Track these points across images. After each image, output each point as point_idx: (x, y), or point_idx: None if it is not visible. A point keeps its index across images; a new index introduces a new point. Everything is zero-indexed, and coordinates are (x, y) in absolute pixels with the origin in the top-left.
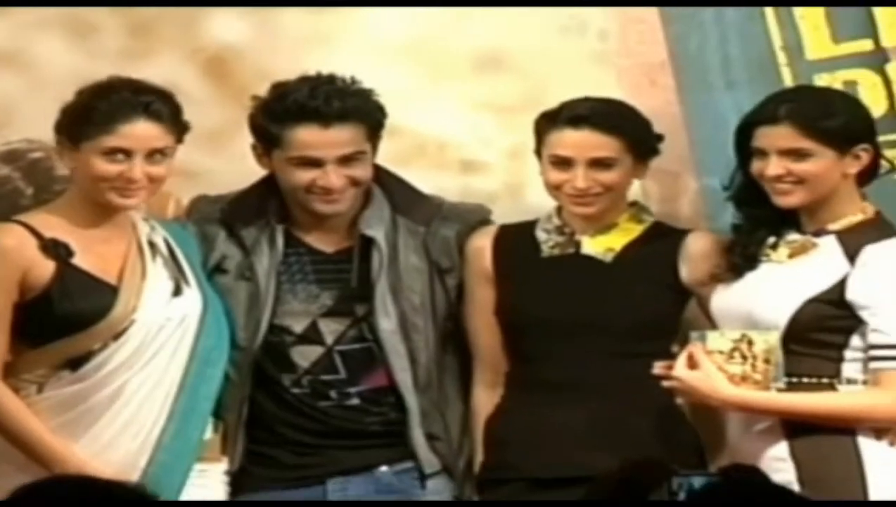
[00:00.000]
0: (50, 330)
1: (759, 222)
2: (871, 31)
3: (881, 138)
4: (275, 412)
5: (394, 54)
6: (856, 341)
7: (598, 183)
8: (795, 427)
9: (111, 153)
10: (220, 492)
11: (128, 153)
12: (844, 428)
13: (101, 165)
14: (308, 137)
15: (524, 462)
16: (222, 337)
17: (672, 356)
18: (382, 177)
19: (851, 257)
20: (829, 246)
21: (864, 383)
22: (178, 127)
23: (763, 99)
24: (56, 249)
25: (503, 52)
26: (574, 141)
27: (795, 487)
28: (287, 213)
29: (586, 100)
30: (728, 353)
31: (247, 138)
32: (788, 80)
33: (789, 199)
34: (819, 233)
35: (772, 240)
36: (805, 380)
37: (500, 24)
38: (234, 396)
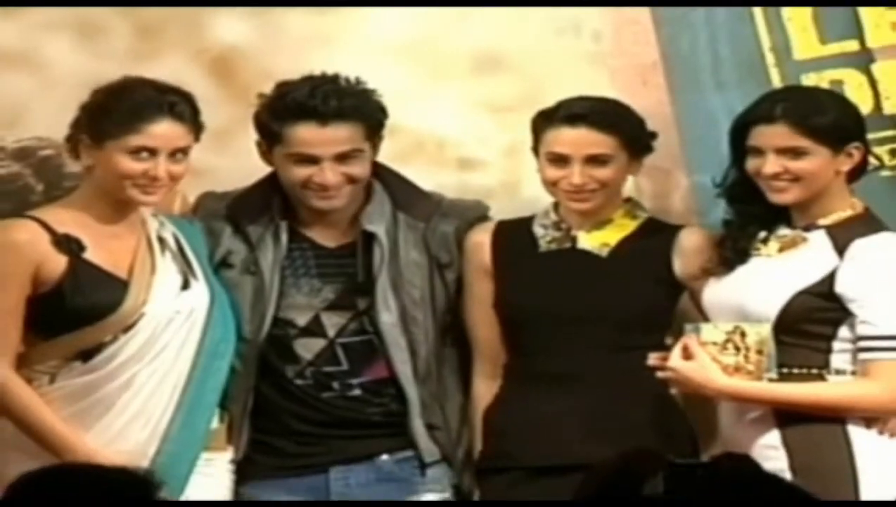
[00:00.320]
0: (62, 323)
1: (750, 218)
2: (857, 32)
3: (868, 136)
4: (279, 403)
5: (394, 55)
6: (844, 332)
7: (593, 179)
8: (787, 416)
9: (136, 151)
10: (225, 481)
11: (152, 152)
12: (835, 417)
13: (126, 163)
14: (306, 134)
15: (522, 451)
16: (229, 330)
17: (666, 348)
18: (383, 174)
19: (841, 250)
20: (818, 240)
21: (853, 373)
22: (197, 127)
23: (757, 98)
24: (68, 244)
25: (500, 52)
26: (571, 138)
27: (787, 475)
28: (290, 209)
29: (582, 99)
30: (722, 344)
31: (251, 137)
32: (777, 81)
33: (785, 196)
34: (809, 228)
35: (762, 235)
36: (796, 371)
37: (498, 26)
38: (240, 387)
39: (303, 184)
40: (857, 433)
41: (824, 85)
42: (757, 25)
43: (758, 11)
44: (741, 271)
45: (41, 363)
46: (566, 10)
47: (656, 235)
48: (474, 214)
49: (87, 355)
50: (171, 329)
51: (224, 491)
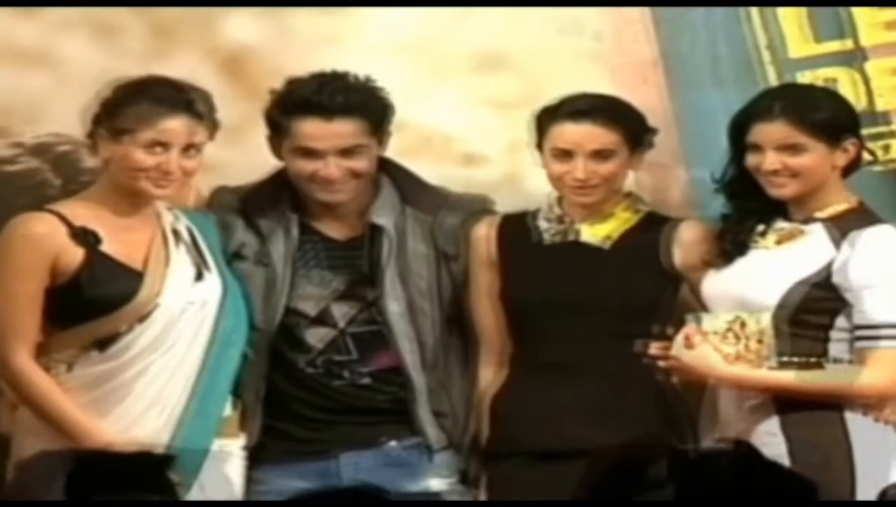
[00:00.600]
0: (79, 313)
1: (748, 213)
2: (850, 31)
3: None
4: (290, 391)
5: (400, 53)
6: (841, 322)
7: (597, 174)
8: (786, 403)
9: (150, 146)
10: (238, 467)
11: (165, 146)
12: (832, 404)
13: (139, 157)
14: (310, 129)
15: (527, 437)
16: (241, 320)
17: (666, 338)
18: (391, 168)
19: (838, 242)
20: (816, 233)
21: (850, 362)
22: (213, 124)
23: (755, 96)
24: (85, 237)
25: (503, 51)
26: (575, 134)
27: (785, 460)
28: (301, 202)
29: (585, 96)
30: (723, 334)
31: (262, 133)
32: (772, 78)
33: (784, 191)
34: (807, 221)
35: (760, 228)
36: (795, 359)
37: (500, 25)
38: (253, 375)
39: (308, 177)
40: (853, 419)
41: (818, 83)
42: (753, 24)
43: (754, 11)
44: (741, 263)
45: (59, 352)
46: (567, 10)
47: (657, 228)
48: (479, 207)
49: (103, 344)
50: (184, 319)
51: (236, 477)
